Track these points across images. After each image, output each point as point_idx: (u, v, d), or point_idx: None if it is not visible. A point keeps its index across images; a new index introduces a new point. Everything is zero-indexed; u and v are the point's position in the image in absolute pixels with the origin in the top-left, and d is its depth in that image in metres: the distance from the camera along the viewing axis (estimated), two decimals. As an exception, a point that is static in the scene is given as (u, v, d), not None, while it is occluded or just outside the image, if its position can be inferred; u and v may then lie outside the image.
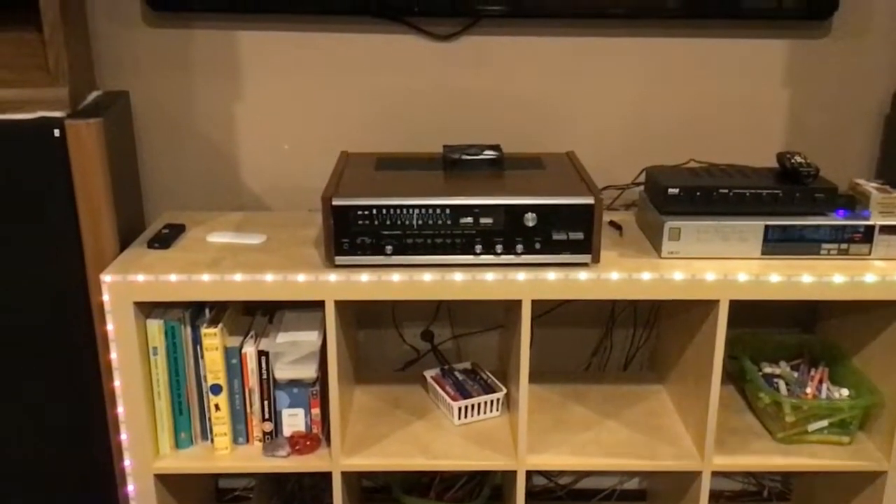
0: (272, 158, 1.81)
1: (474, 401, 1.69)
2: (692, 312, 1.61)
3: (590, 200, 1.45)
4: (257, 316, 1.65)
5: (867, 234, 1.51)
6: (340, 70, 1.76)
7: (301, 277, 1.44)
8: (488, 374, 1.78)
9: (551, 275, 1.45)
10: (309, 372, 1.54)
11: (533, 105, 1.80)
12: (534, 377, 1.84)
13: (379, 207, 1.44)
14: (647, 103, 1.80)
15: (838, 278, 1.46)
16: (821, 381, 1.69)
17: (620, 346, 1.95)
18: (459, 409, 1.68)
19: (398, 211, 1.44)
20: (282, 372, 1.55)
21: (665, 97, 1.80)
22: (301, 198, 1.81)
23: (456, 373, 1.79)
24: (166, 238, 1.59)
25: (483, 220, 1.45)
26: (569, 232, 1.46)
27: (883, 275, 1.46)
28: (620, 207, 1.85)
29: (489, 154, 1.64)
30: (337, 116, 1.79)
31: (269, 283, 1.45)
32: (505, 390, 1.72)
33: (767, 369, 1.75)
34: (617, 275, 1.46)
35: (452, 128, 1.80)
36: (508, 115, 1.80)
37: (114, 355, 1.49)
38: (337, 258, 1.46)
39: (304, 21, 1.73)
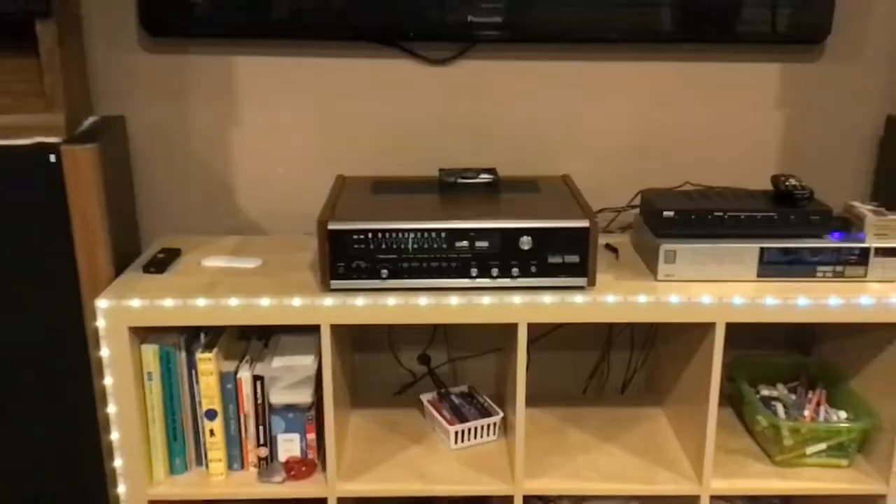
0: (268, 182, 1.81)
1: (471, 425, 1.67)
2: (689, 335, 1.61)
3: (585, 223, 1.45)
4: (253, 340, 1.64)
5: (862, 257, 1.51)
6: (336, 95, 1.76)
7: (296, 302, 1.44)
8: (485, 397, 1.77)
9: (547, 298, 1.45)
10: (304, 397, 1.53)
11: (529, 129, 1.80)
12: (531, 400, 1.80)
13: (374, 231, 1.44)
14: (643, 126, 1.81)
15: (834, 301, 1.46)
16: (818, 404, 1.68)
17: (618, 368, 1.94)
18: (456, 433, 1.67)
19: (394, 235, 1.44)
20: (277, 397, 1.54)
21: (660, 120, 1.80)
22: (297, 221, 1.81)
23: (452, 396, 1.78)
24: (162, 263, 1.58)
25: (479, 244, 1.45)
26: (564, 255, 1.46)
27: (879, 297, 1.46)
28: (616, 230, 1.85)
29: (485, 177, 1.65)
30: (333, 140, 1.79)
31: (265, 308, 1.44)
32: (502, 414, 1.71)
33: (765, 392, 1.74)
34: (613, 298, 1.45)
35: (448, 152, 1.80)
36: (504, 139, 1.80)
37: (108, 380, 1.48)
38: (332, 282, 1.45)
39: (300, 46, 1.73)
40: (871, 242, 1.51)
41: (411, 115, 1.78)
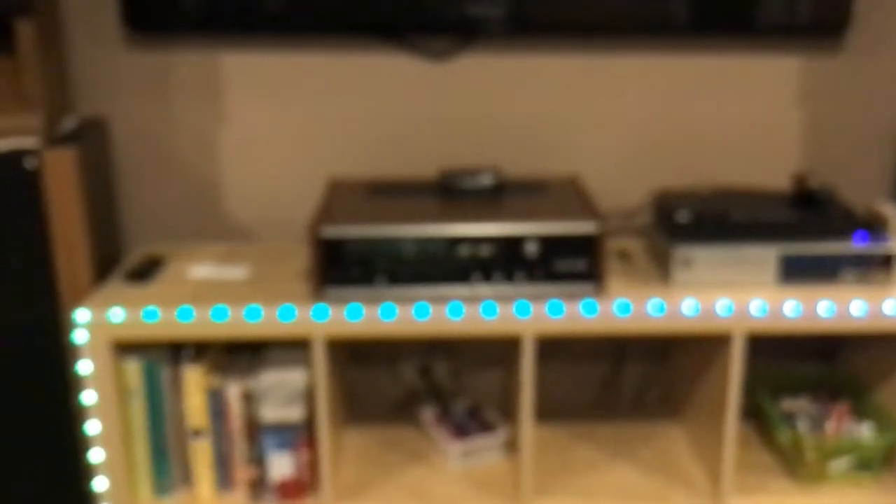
0: (258, 185, 1.73)
1: (474, 441, 1.61)
2: (706, 345, 1.53)
3: (594, 228, 1.37)
4: (241, 354, 1.57)
5: (887, 261, 1.43)
6: (330, 92, 1.69)
7: (286, 316, 1.37)
8: (489, 412, 1.70)
9: (554, 308, 1.37)
10: (296, 413, 1.46)
11: (535, 126, 1.72)
12: (538, 415, 1.76)
13: (369, 238, 1.36)
14: (656, 123, 1.73)
15: (858, 308, 1.38)
16: (842, 417, 1.61)
17: (630, 380, 1.86)
18: (458, 450, 1.60)
19: (390, 241, 1.37)
20: (268, 413, 1.46)
21: (674, 117, 1.73)
22: (289, 227, 1.74)
23: (455, 411, 1.72)
24: (145, 271, 1.51)
25: (481, 250, 1.37)
26: (572, 261, 1.38)
27: (908, 304, 1.38)
28: (628, 233, 1.77)
29: (487, 178, 1.57)
30: (327, 141, 1.72)
31: (253, 323, 1.37)
32: (507, 430, 1.63)
33: (786, 404, 1.67)
34: (624, 308, 1.38)
35: (450, 151, 1.73)
36: (509, 137, 1.73)
37: (89, 397, 1.41)
38: (325, 292, 1.37)
39: (292, 42, 1.66)
40: (898, 246, 1.43)
41: (410, 113, 1.71)
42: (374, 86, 1.69)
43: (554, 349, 1.82)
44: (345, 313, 1.37)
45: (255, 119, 1.70)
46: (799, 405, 1.67)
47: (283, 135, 1.71)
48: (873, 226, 1.48)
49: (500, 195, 1.54)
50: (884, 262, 1.44)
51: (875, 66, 1.71)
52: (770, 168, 1.76)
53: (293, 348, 1.53)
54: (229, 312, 1.37)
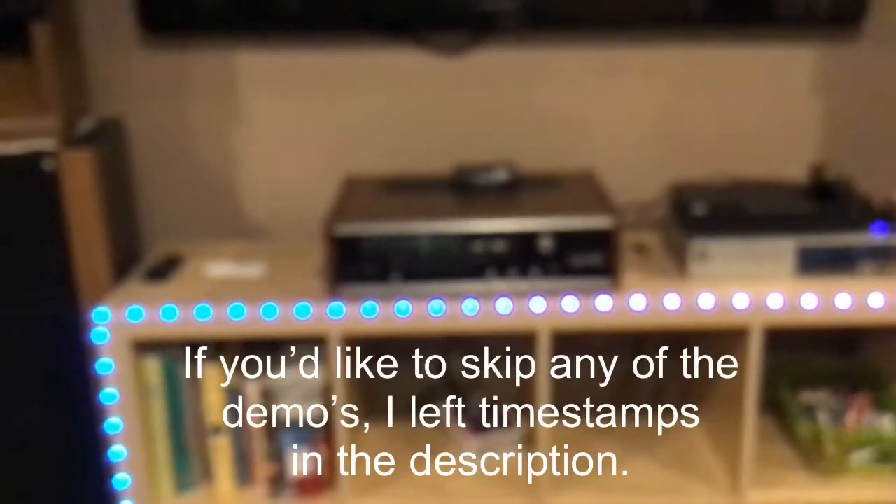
0: (274, 183, 1.74)
1: (492, 437, 1.60)
2: (724, 339, 1.52)
3: (610, 222, 1.36)
4: (259, 349, 1.57)
5: (908, 252, 1.42)
6: (344, 89, 1.69)
7: (303, 313, 1.37)
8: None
9: (569, 304, 1.37)
10: (314, 410, 1.47)
11: (550, 120, 1.71)
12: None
13: (383, 236, 1.36)
14: (672, 115, 1.72)
15: (876, 300, 1.36)
16: (862, 409, 1.60)
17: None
18: (476, 445, 1.60)
19: (404, 238, 1.37)
20: (286, 410, 1.47)
21: (690, 108, 1.71)
22: (305, 225, 1.74)
23: (472, 406, 1.71)
24: (163, 270, 1.52)
25: (495, 245, 1.37)
26: (587, 256, 1.38)
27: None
28: (645, 226, 1.75)
29: (501, 173, 1.56)
30: (342, 138, 1.72)
31: (271, 321, 1.38)
32: (525, 425, 1.63)
33: (806, 396, 1.66)
34: (640, 302, 1.37)
35: (466, 146, 1.72)
36: (524, 131, 1.72)
37: (110, 395, 1.42)
38: (340, 290, 1.38)
39: (305, 40, 1.66)
40: (919, 236, 1.41)
41: (425, 109, 1.70)
42: (388, 82, 1.69)
43: (571, 343, 1.81)
44: (360, 310, 1.37)
45: (270, 117, 1.70)
46: (818, 398, 1.65)
47: (298, 133, 1.72)
48: (891, 217, 1.46)
49: (514, 190, 1.53)
50: (902, 253, 1.42)
51: (892, 57, 1.68)
52: (788, 159, 1.74)
53: (311, 345, 1.53)
54: (246, 311, 1.38)
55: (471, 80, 1.69)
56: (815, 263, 1.43)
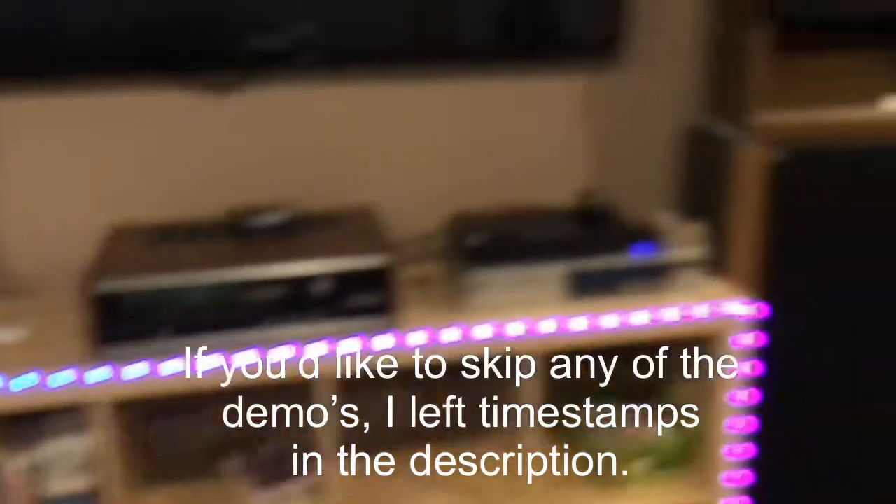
0: (39, 236, 1.61)
1: (281, 488, 1.55)
2: (500, 366, 1.55)
3: (383, 261, 1.36)
4: (19, 423, 1.44)
5: (664, 269, 1.50)
6: (112, 133, 1.59)
7: (63, 380, 1.28)
8: (301, 454, 1.64)
9: (347, 346, 1.35)
10: (85, 482, 1.37)
11: (331, 157, 1.69)
12: (357, 447, 1.72)
13: (149, 290, 1.29)
14: (449, 147, 1.73)
15: (640, 317, 1.44)
16: (640, 419, 1.67)
17: (442, 407, 1.85)
18: (265, 498, 1.54)
19: (172, 291, 1.30)
20: (56, 486, 1.36)
21: (467, 140, 1.74)
22: (74, 277, 1.62)
23: (261, 458, 1.65)
24: None
25: (271, 292, 1.34)
26: (365, 296, 1.37)
27: (683, 309, 1.46)
28: (428, 258, 1.77)
29: (276, 215, 1.52)
30: (111, 186, 1.62)
31: (24, 395, 1.27)
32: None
33: (587, 410, 1.70)
34: (419, 338, 1.37)
35: (245, 188, 1.67)
36: (304, 169, 1.69)
37: None
38: (104, 351, 1.29)
39: (65, 84, 1.55)
40: (676, 254, 1.50)
41: (199, 151, 1.63)
42: (158, 125, 1.61)
43: (364, 384, 1.79)
44: (127, 372, 1.29)
45: (31, 166, 1.58)
46: (599, 411, 1.70)
47: (62, 182, 1.60)
48: (649, 237, 1.55)
49: (291, 232, 1.50)
50: (661, 270, 1.50)
51: (651, 84, 1.78)
52: (561, 186, 1.80)
53: (78, 413, 1.43)
54: (1, 383, 1.27)
55: (245, 119, 1.65)
56: (583, 286, 1.49)
